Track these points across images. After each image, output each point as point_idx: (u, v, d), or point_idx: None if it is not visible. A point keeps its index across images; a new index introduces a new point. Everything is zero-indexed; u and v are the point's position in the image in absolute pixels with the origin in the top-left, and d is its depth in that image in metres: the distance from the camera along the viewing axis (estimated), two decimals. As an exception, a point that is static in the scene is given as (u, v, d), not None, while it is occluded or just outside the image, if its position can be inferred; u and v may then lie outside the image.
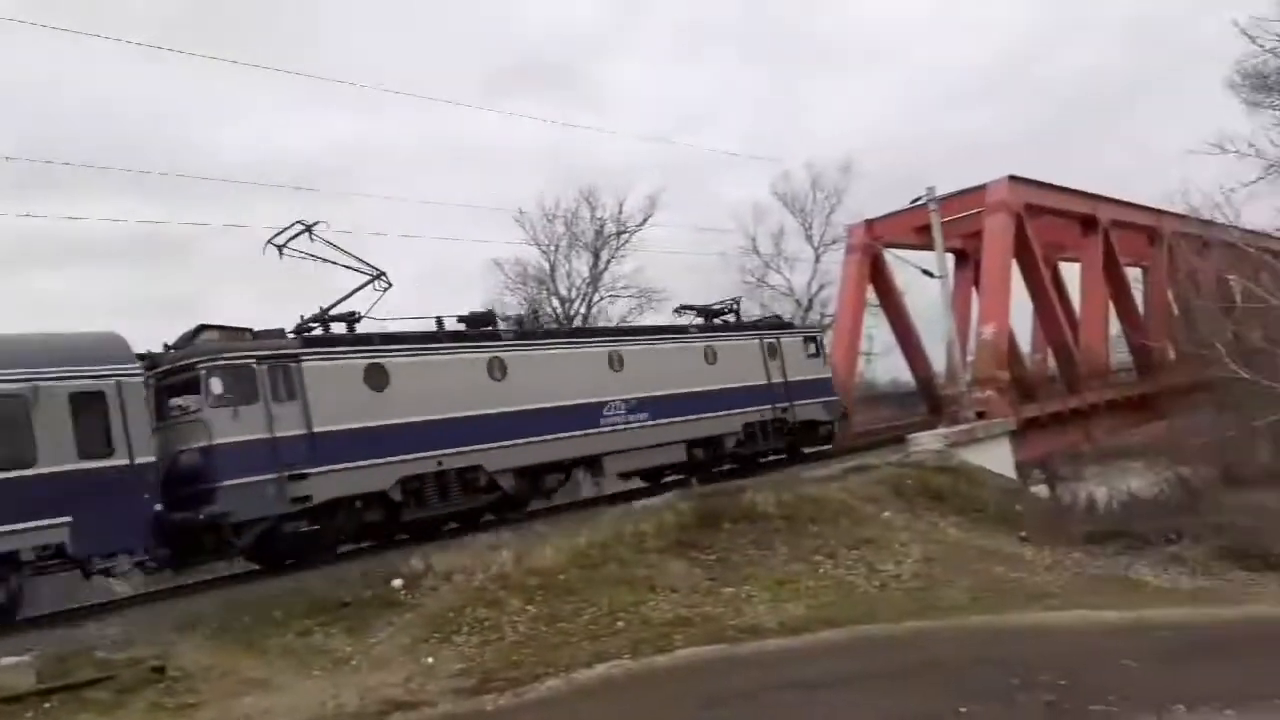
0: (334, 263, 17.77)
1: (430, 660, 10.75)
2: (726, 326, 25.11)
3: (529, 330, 21.69)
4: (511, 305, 46.89)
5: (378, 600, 12.32)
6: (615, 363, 20.38)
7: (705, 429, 21.67)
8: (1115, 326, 37.90)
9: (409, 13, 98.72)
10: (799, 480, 18.37)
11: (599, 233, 46.80)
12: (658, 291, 46.91)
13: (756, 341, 24.24)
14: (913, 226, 31.66)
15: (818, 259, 48.69)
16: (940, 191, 28.41)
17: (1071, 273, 39.07)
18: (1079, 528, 16.92)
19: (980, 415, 25.80)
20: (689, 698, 9.07)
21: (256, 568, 15.96)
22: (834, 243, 45.91)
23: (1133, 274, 39.44)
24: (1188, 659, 8.99)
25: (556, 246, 46.91)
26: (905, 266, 33.93)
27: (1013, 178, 30.97)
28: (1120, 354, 39.04)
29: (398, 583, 12.88)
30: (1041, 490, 29.96)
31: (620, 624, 11.76)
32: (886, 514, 16.51)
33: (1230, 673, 8.40)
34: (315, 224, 17.31)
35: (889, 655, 9.80)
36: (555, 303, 46.83)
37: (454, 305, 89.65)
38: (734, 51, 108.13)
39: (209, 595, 12.97)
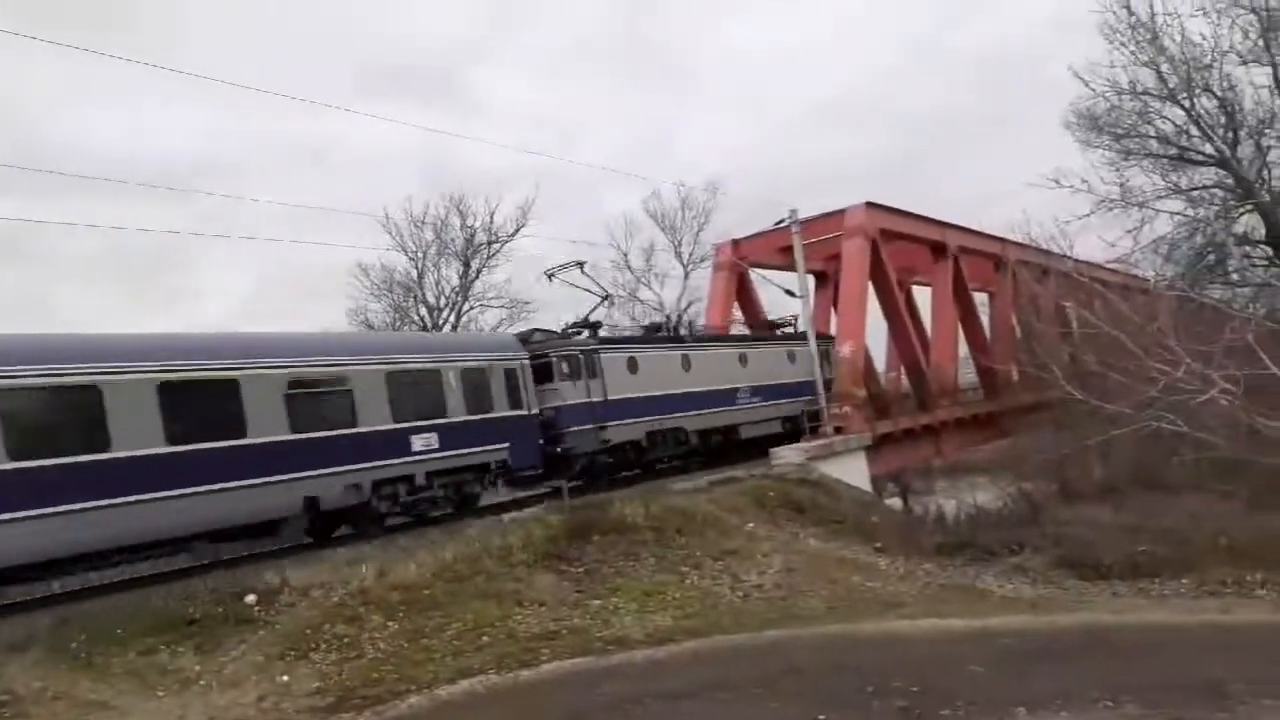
0: (585, 289, 26.25)
1: (285, 679, 10.33)
2: (794, 337, 31.85)
3: (698, 336, 28.94)
4: (376, 311, 45.87)
5: (229, 617, 11.74)
6: (743, 361, 28.31)
7: (790, 409, 29.09)
8: (964, 348, 39.85)
9: (282, 10, 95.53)
10: (667, 492, 18.59)
11: (469, 241, 46.25)
12: (528, 302, 46.80)
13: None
14: (776, 247, 32.57)
15: (687, 275, 49.59)
16: (803, 215, 29.38)
17: (923, 296, 40.96)
18: (930, 539, 17.61)
19: (838, 430, 26.70)
20: (554, 711, 9.03)
21: (91, 585, 15.38)
22: (703, 260, 46.87)
23: (979, 298, 41.58)
24: (1028, 664, 9.46)
25: (425, 253, 46.11)
26: (769, 285, 35.01)
27: (870, 204, 32.11)
28: (968, 374, 41.03)
29: (251, 598, 12.33)
30: (895, 503, 31.30)
31: (486, 639, 11.58)
32: (750, 525, 16.85)
33: (1065, 676, 8.88)
34: (584, 262, 25.97)
35: (751, 664, 9.95)
36: (422, 310, 45.96)
37: (316, 308, 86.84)
38: (611, 69, 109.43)
39: (43, 613, 12.09)
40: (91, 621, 11.18)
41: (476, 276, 46.69)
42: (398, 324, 45.52)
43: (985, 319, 41.42)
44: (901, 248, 36.00)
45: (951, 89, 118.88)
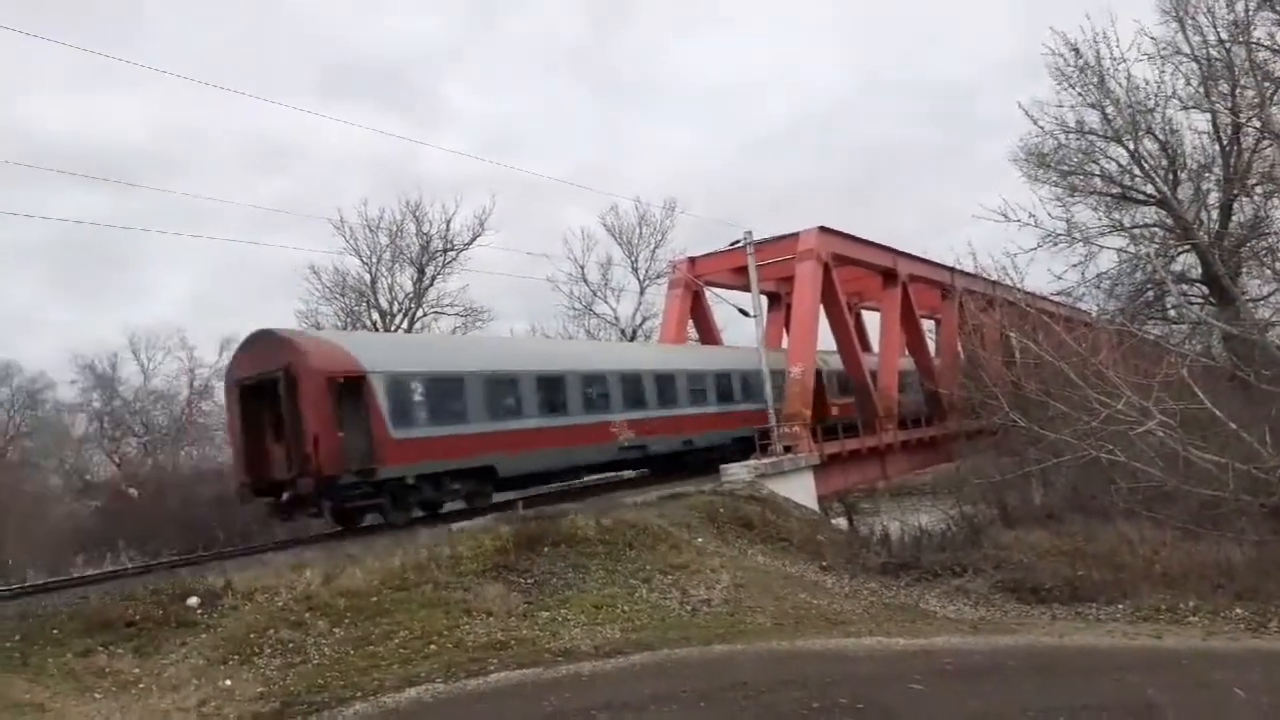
0: None
1: (228, 683, 10.19)
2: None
3: None
4: (328, 314, 45.42)
5: (170, 619, 11.57)
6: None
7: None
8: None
9: (243, 6, 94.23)
10: (619, 505, 18.61)
11: (425, 248, 46.01)
12: (483, 311, 46.71)
13: None
14: (731, 267, 32.87)
15: (642, 291, 49.65)
16: (758, 236, 29.79)
17: (873, 320, 41.54)
18: (875, 559, 17.81)
19: (787, 449, 27.00)
20: (501, 720, 9.02)
21: (29, 586, 15.13)
22: (658, 276, 47.02)
23: (927, 325, 42.31)
24: (968, 684, 9.64)
25: (379, 258, 45.77)
26: (723, 304, 35.32)
27: (823, 228, 32.55)
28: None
29: (193, 601, 12.16)
30: (841, 522, 31.61)
31: (433, 647, 11.51)
32: (700, 540, 16.93)
33: (1004, 696, 9.07)
34: None
35: (699, 677, 10.01)
36: (375, 315, 45.58)
37: (266, 308, 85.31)
38: (575, 83, 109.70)
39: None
40: (27, 622, 10.95)
41: (431, 283, 46.47)
42: (351, 328, 45.13)
43: (931, 345, 42.14)
44: (853, 272, 36.56)
45: (906, 121, 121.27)
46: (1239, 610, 13.23)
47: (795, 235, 32.28)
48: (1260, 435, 14.78)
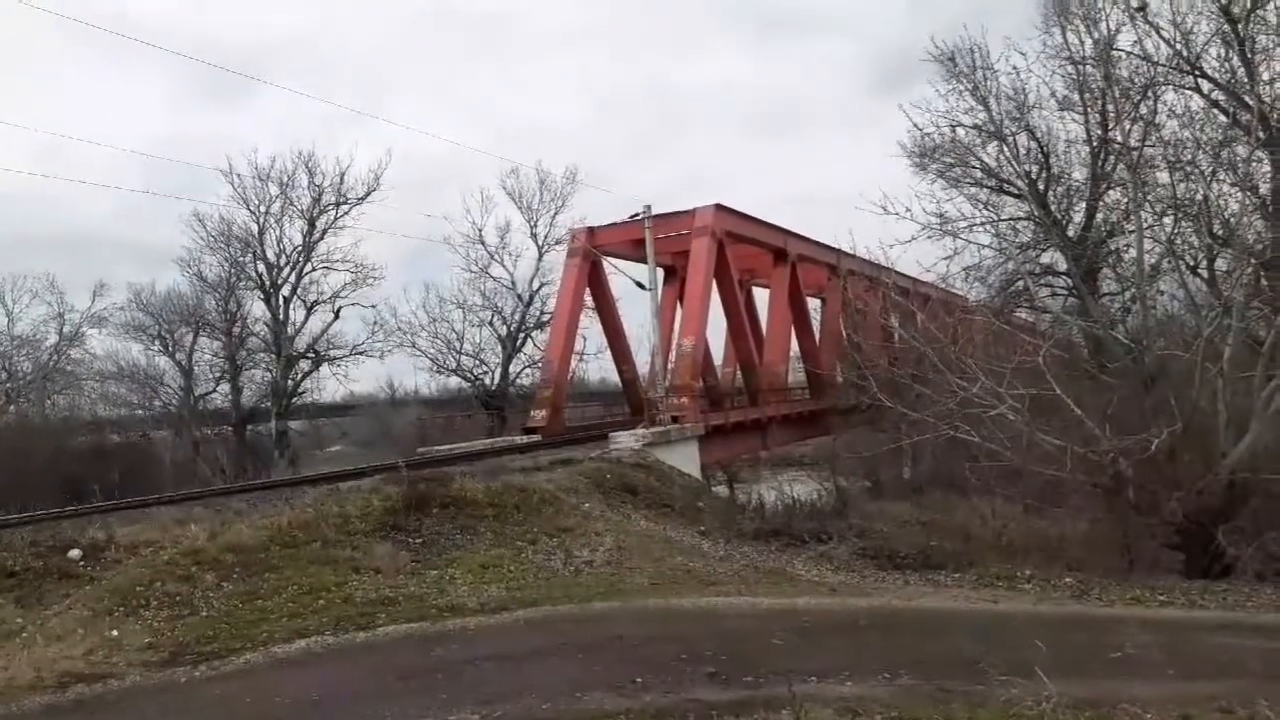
0: None
1: (115, 633, 10.37)
2: None
3: None
4: (211, 265, 44.25)
5: (52, 571, 11.68)
6: None
7: None
8: (796, 349, 41.89)
9: None
10: (507, 470, 19.07)
11: (316, 200, 45.09)
12: (375, 269, 46.18)
13: None
14: (629, 239, 33.38)
15: (541, 256, 49.53)
16: (656, 210, 30.43)
17: (762, 297, 42.78)
18: (749, 525, 18.70)
19: (675, 419, 27.90)
20: (389, 669, 9.39)
21: None
22: (557, 243, 47.05)
23: (813, 304, 43.76)
24: (824, 640, 10.48)
25: (268, 209, 44.68)
26: (620, 275, 35.90)
27: (719, 206, 33.28)
28: (798, 374, 43.14)
29: (75, 553, 12.25)
30: (722, 490, 32.83)
31: (322, 602, 11.84)
32: (586, 505, 17.51)
33: (854, 651, 9.91)
34: None
35: (578, 632, 10.59)
36: (261, 268, 44.55)
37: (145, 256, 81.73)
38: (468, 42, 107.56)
39: None
40: (-97, 571, 10.84)
41: (322, 237, 45.58)
42: (234, 280, 44.08)
43: (816, 323, 43.59)
44: (745, 250, 37.54)
45: (809, 95, 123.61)
46: (1068, 579, 14.57)
47: (691, 212, 33.00)
48: (1099, 421, 16.22)
